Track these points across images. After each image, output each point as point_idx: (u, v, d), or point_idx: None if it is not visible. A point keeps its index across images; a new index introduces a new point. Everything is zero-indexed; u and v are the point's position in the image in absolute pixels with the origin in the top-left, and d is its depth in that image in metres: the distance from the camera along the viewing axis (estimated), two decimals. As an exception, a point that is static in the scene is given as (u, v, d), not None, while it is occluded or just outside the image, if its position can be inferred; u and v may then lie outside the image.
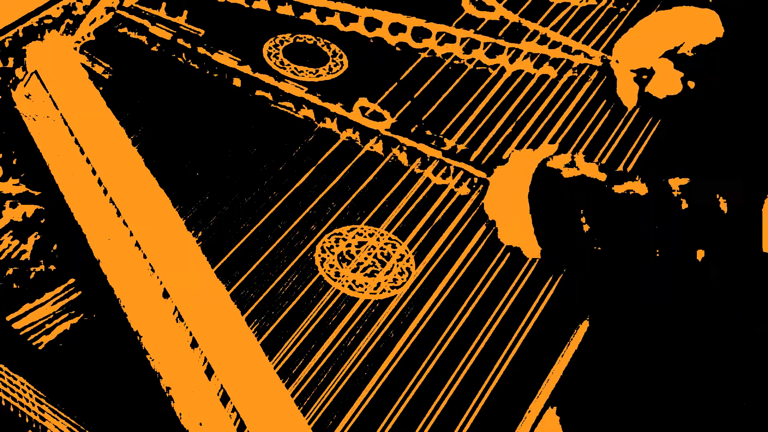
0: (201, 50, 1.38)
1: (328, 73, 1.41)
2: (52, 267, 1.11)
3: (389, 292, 1.11)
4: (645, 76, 1.23)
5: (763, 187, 0.96)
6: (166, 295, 1.05)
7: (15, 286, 1.08)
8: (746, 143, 1.15)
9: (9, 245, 1.12)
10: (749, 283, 0.95)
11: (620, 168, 1.16)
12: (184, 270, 1.08)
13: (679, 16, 1.27)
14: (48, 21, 1.33)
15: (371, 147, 1.29)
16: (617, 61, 1.31)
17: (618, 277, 1.04)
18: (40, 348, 1.03)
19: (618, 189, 1.04)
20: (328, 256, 1.14)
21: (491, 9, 1.40)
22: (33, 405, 0.95)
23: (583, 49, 1.47)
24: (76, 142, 1.21)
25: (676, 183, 1.01)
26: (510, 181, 1.14)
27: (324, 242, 1.16)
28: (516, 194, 1.12)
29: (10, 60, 1.30)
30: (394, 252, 1.16)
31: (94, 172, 1.18)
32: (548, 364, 1.07)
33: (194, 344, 1.01)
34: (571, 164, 1.11)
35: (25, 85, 1.29)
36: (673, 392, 1.06)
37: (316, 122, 1.32)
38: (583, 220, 1.04)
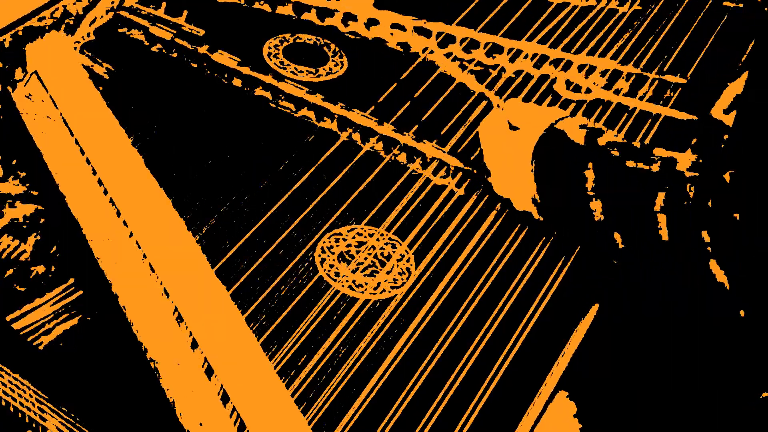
0: (201, 50, 1.38)
1: (328, 74, 1.41)
2: (53, 267, 1.11)
3: (389, 292, 1.11)
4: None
5: None
6: (166, 295, 1.05)
7: (15, 286, 1.09)
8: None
9: (9, 245, 1.12)
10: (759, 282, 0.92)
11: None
12: (184, 270, 1.08)
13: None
14: (48, 21, 1.33)
15: (371, 147, 1.29)
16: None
17: (624, 253, 1.01)
18: (40, 348, 1.03)
19: (630, 164, 0.99)
20: (328, 256, 1.14)
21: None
22: (33, 405, 0.95)
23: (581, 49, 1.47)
24: (76, 142, 1.21)
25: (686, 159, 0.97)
26: (515, 135, 1.10)
27: (324, 242, 1.16)
28: (519, 150, 1.08)
29: (10, 60, 1.30)
30: (394, 252, 1.16)
31: (94, 172, 1.18)
32: (549, 363, 1.07)
33: (194, 344, 1.01)
34: (585, 127, 1.06)
35: (25, 85, 1.29)
36: (680, 377, 1.05)
37: (316, 122, 1.32)
38: (591, 191, 1.01)
